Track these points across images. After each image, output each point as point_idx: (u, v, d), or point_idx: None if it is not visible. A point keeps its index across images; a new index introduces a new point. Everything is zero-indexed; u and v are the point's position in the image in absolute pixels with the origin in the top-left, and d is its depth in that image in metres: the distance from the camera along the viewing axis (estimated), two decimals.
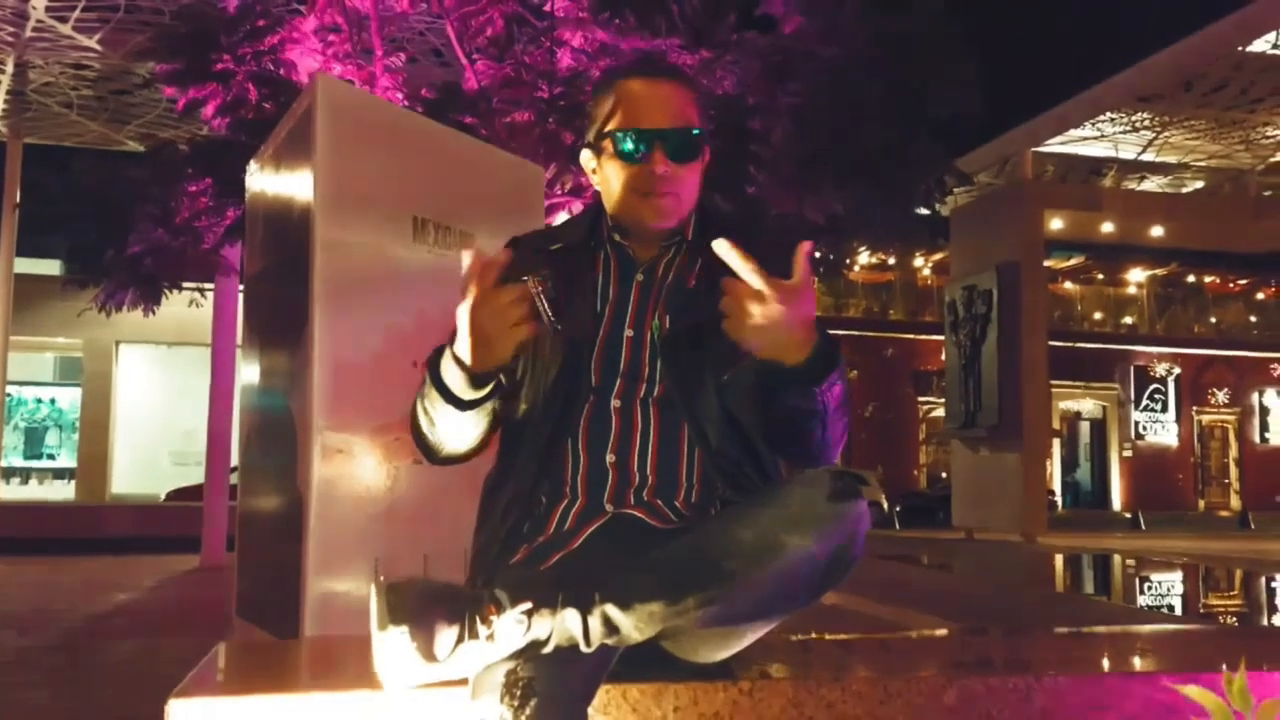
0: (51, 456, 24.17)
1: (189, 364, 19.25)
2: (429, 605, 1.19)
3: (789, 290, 1.24)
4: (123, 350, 20.34)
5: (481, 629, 1.17)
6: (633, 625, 1.20)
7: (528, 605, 1.18)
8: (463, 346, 1.34)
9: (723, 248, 1.25)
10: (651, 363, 1.45)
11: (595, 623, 1.19)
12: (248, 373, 3.76)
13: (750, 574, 1.20)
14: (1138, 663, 1.90)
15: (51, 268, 23.26)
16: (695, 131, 1.50)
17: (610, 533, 1.38)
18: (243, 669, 1.72)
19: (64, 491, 21.53)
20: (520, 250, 1.54)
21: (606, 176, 1.52)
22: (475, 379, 1.36)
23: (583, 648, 1.19)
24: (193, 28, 6.17)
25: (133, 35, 10.36)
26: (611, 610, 1.19)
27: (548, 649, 1.19)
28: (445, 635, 1.17)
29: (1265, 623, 7.11)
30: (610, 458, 1.43)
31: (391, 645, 1.17)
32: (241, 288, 5.48)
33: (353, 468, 3.02)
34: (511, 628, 1.18)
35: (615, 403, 1.45)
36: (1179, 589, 9.82)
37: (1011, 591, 8.51)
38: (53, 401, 24.46)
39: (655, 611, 1.20)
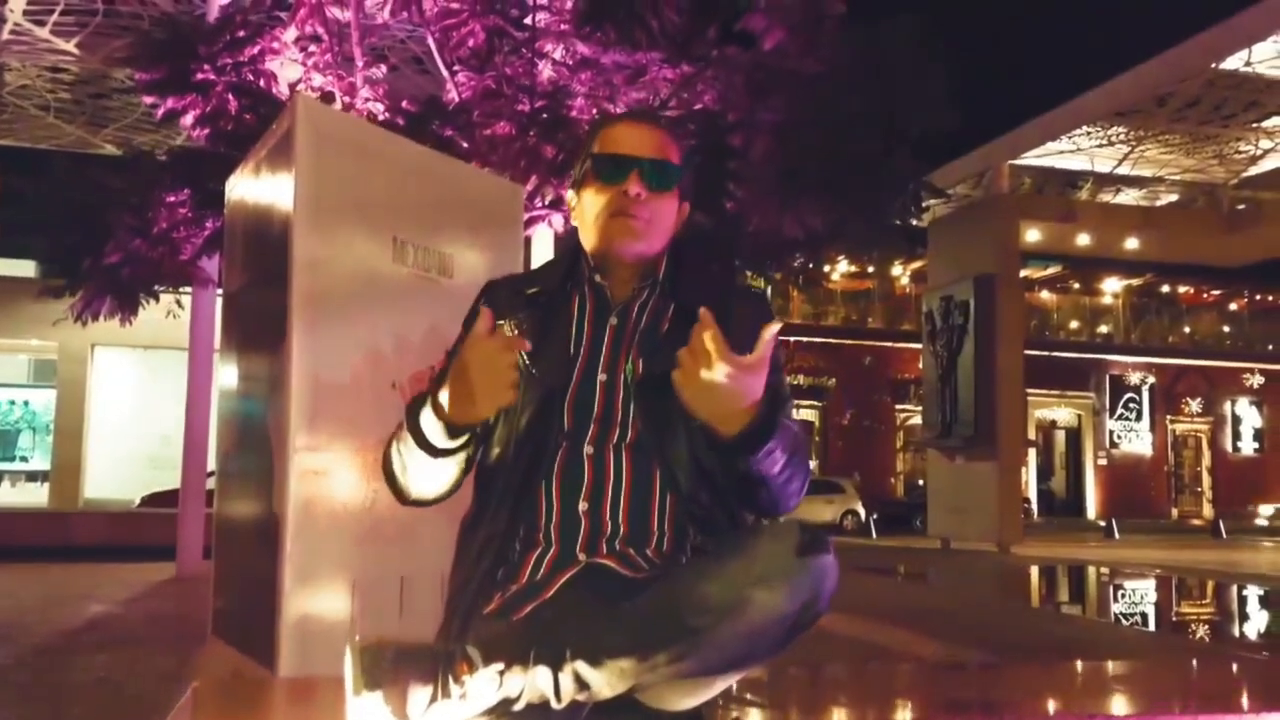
0: (24, 459, 23.94)
1: (165, 368, 19.11)
2: (402, 665, 1.21)
3: (744, 366, 1.26)
4: (98, 353, 20.16)
5: (455, 688, 1.20)
6: (604, 682, 1.22)
7: (500, 665, 1.21)
8: (446, 396, 1.36)
9: (705, 316, 1.27)
10: (625, 407, 1.47)
11: (566, 680, 1.21)
12: (225, 386, 3.75)
13: (719, 630, 1.22)
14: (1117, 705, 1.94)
15: (26, 269, 23.05)
16: (673, 165, 1.55)
17: (583, 583, 1.39)
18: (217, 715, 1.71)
19: (37, 495, 21.31)
20: (496, 294, 1.57)
21: (584, 205, 1.56)
22: (452, 430, 1.38)
23: (554, 704, 1.21)
24: (172, 37, 6.15)
25: (111, 40, 10.31)
26: (582, 667, 1.22)
27: (519, 705, 1.21)
28: (419, 695, 1.19)
29: (1234, 636, 7.20)
30: (583, 505, 1.44)
31: (367, 708, 1.19)
32: (220, 297, 5.47)
33: (330, 489, 3.03)
34: (484, 686, 1.20)
35: (588, 449, 1.46)
36: (1151, 601, 9.93)
37: (986, 607, 8.58)
38: (26, 404, 24.23)
39: (625, 668, 1.22)
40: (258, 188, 3.45)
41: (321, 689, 1.66)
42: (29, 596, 7.15)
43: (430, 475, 1.45)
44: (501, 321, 1.49)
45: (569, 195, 1.62)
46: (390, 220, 3.28)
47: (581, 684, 1.22)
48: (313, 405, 3.01)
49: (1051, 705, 1.80)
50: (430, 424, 1.39)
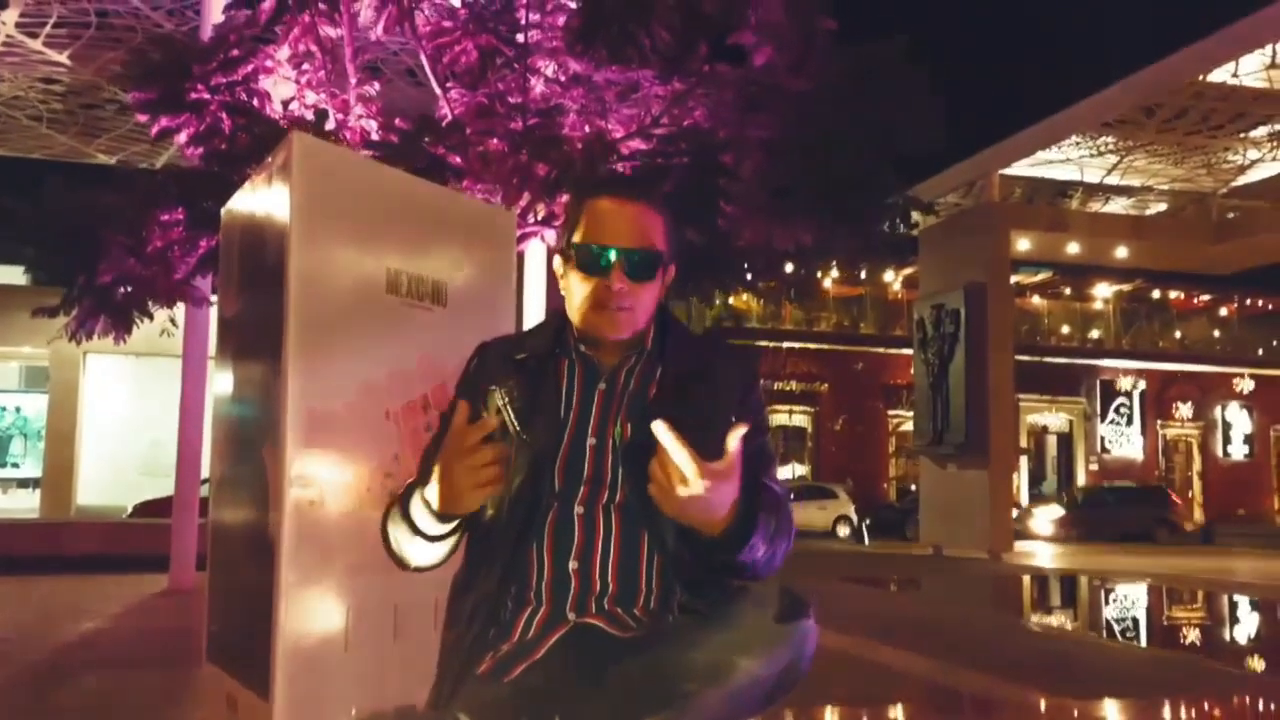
0: (15, 465, 23.85)
1: (157, 375, 19.08)
2: None
3: (715, 473, 1.30)
4: (90, 360, 20.12)
5: None
6: None
7: None
8: (433, 493, 1.41)
9: (659, 429, 1.30)
10: (614, 470, 1.51)
11: None
12: (220, 413, 3.78)
13: (703, 696, 1.27)
14: None
15: (16, 275, 23.00)
16: (655, 252, 1.56)
17: (572, 643, 1.44)
18: None
19: (28, 501, 21.25)
20: (487, 358, 1.61)
21: (569, 285, 1.59)
22: (442, 518, 1.44)
23: None
24: (166, 56, 6.17)
25: (104, 51, 10.33)
26: None
27: None
28: None
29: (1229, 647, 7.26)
30: (573, 564, 1.49)
31: None
32: (214, 312, 5.47)
33: (325, 519, 3.06)
34: None
35: (579, 509, 1.50)
36: (1140, 613, 9.99)
37: (977, 621, 8.63)
38: (18, 409, 24.15)
39: None
40: (253, 218, 3.49)
41: None
42: (22, 611, 7.12)
43: (426, 552, 1.50)
44: (493, 388, 1.54)
45: (556, 261, 1.65)
46: (384, 250, 3.31)
47: None
48: (307, 434, 3.04)
49: None
50: (420, 513, 1.44)
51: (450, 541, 1.50)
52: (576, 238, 1.57)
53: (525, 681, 1.40)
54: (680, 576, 1.50)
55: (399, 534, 1.49)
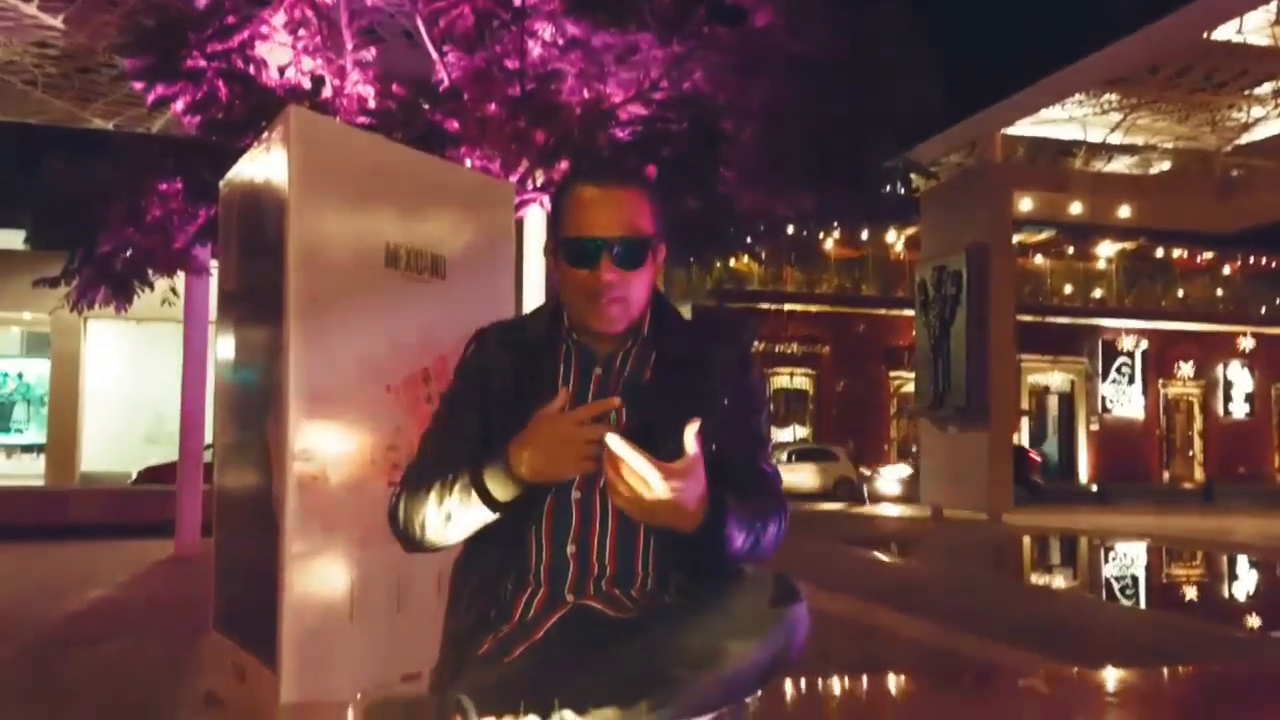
0: (19, 431, 23.95)
1: (160, 340, 19.10)
2: None
3: (676, 473, 1.33)
4: (91, 325, 20.13)
5: None
6: None
7: (492, 719, 1.28)
8: (525, 463, 1.44)
9: (613, 441, 1.32)
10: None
11: None
12: (221, 390, 3.80)
13: (697, 678, 1.32)
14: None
15: (16, 240, 22.95)
16: (643, 238, 1.56)
17: (570, 624, 1.48)
18: None
19: (32, 466, 21.37)
20: (486, 343, 1.63)
21: (561, 277, 1.60)
22: (518, 485, 1.46)
23: None
24: (161, 24, 6.12)
25: (99, 15, 10.21)
26: (569, 715, 1.31)
27: None
28: None
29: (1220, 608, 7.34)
30: (571, 548, 1.52)
31: None
32: (214, 285, 5.46)
33: (329, 493, 3.09)
34: None
35: (575, 494, 1.54)
36: (1139, 574, 10.08)
37: (977, 583, 8.70)
38: (20, 375, 24.20)
39: (609, 716, 1.31)
40: (251, 192, 3.48)
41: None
42: (29, 580, 7.19)
43: (474, 526, 1.52)
44: (489, 370, 1.56)
45: (546, 253, 1.66)
46: (382, 224, 3.31)
47: None
48: (309, 409, 3.06)
49: None
50: (499, 485, 1.46)
51: (498, 514, 1.51)
52: (564, 232, 1.57)
53: (524, 663, 1.44)
54: (676, 559, 1.53)
55: (455, 503, 1.49)
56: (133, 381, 21.13)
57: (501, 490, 1.45)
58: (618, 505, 1.37)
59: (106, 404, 21.04)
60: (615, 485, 1.34)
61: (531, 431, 1.43)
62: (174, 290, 7.34)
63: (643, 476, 1.31)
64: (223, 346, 3.77)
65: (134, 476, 14.58)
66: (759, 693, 1.38)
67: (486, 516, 1.49)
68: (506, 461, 1.44)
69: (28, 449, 23.02)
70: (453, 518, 1.50)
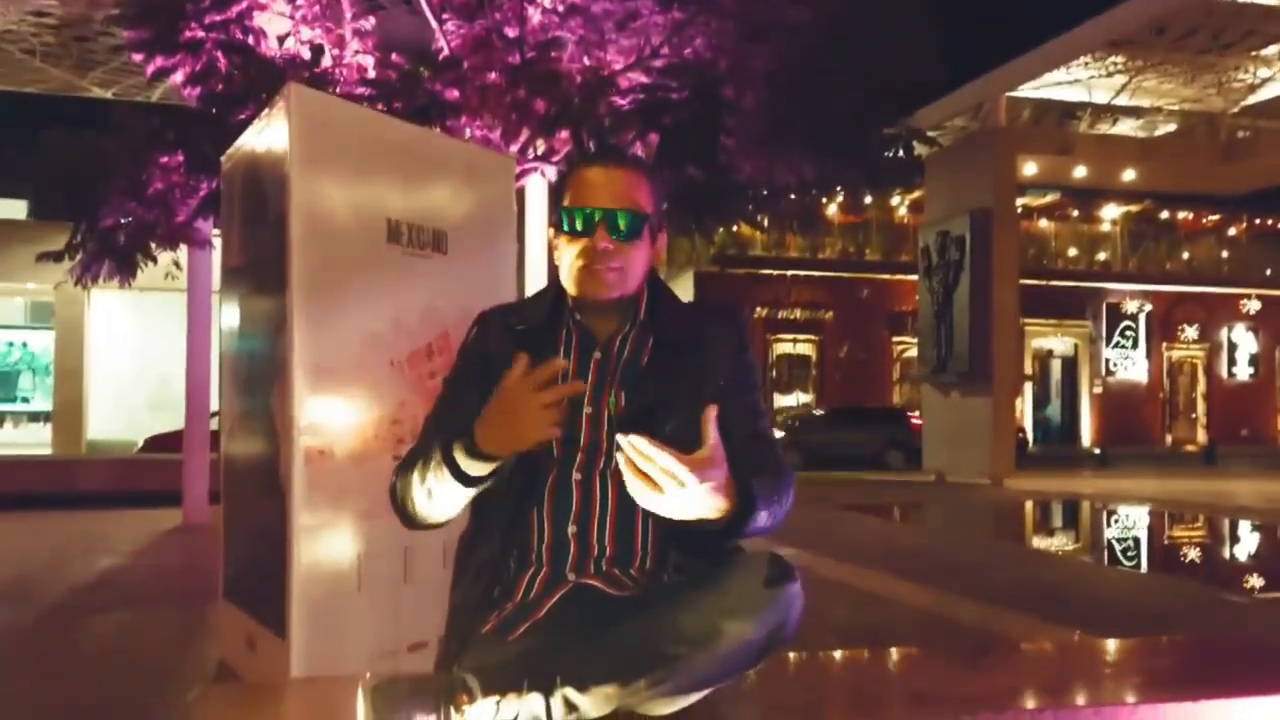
0: (26, 400, 24.08)
1: (163, 309, 19.14)
2: (409, 700, 1.36)
3: (698, 463, 1.34)
4: (95, 295, 20.16)
5: (456, 716, 1.35)
6: (591, 705, 1.38)
7: (496, 697, 1.35)
8: (484, 436, 1.45)
9: (630, 443, 1.33)
10: (609, 437, 1.57)
11: (557, 704, 1.37)
12: (226, 366, 3.84)
13: (693, 657, 1.36)
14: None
15: (19, 210, 22.94)
16: (640, 214, 1.60)
17: (572, 603, 1.53)
18: None
19: (40, 435, 21.52)
20: (488, 327, 1.66)
21: (560, 251, 1.63)
22: (486, 460, 1.47)
23: None
24: None
25: None
26: (571, 693, 1.36)
27: None
28: None
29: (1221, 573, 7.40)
30: (572, 529, 1.57)
31: None
32: (217, 258, 5.48)
33: (334, 467, 3.13)
34: (483, 714, 1.35)
35: (576, 475, 1.57)
36: (1140, 537, 10.14)
37: (978, 549, 8.77)
38: (25, 345, 24.29)
39: (610, 693, 1.37)
40: (253, 169, 3.50)
41: (332, 696, 1.76)
42: (37, 549, 7.25)
43: (456, 502, 1.54)
44: (490, 353, 1.59)
45: (549, 233, 1.69)
46: (383, 200, 3.33)
47: (571, 707, 1.37)
48: (313, 385, 3.10)
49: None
50: (465, 458, 1.47)
51: (475, 491, 1.54)
52: (564, 204, 1.62)
53: (527, 641, 1.49)
54: (675, 538, 1.57)
55: (432, 479, 1.51)
56: (137, 349, 21.22)
57: (469, 464, 1.47)
58: (648, 508, 1.38)
59: (112, 372, 21.14)
60: (637, 492, 1.35)
61: (492, 402, 1.44)
62: (177, 264, 7.34)
63: (672, 472, 1.32)
64: (227, 320, 3.80)
65: (140, 444, 14.64)
66: (754, 667, 1.43)
67: (462, 492, 1.50)
68: (471, 436, 1.46)
69: (34, 417, 23.16)
70: (433, 494, 1.52)
